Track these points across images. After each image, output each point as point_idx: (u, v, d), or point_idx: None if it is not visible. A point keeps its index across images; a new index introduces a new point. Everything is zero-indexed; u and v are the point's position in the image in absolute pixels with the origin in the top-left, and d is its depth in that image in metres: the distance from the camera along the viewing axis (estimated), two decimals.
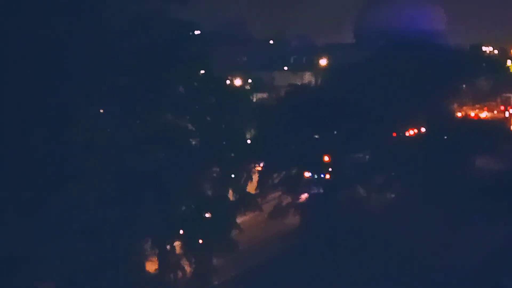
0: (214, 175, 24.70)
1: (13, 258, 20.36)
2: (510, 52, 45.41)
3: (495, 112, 42.43)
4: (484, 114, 40.78)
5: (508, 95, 42.67)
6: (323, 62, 31.09)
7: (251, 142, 26.31)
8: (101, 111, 22.83)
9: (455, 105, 33.74)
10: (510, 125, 40.03)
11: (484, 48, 43.96)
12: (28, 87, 20.57)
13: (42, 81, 20.79)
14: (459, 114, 34.77)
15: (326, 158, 27.08)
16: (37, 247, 20.51)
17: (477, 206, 25.00)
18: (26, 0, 20.81)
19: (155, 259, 23.35)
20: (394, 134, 28.29)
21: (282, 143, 26.32)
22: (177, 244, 23.87)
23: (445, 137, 27.79)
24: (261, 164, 26.79)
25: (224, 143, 24.76)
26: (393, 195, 27.36)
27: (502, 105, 42.24)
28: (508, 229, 25.47)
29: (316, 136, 27.04)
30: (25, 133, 20.79)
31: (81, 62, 21.40)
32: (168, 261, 23.58)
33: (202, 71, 24.73)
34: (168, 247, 23.65)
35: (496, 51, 45.70)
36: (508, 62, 43.99)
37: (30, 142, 20.83)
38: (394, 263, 23.25)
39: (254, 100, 27.56)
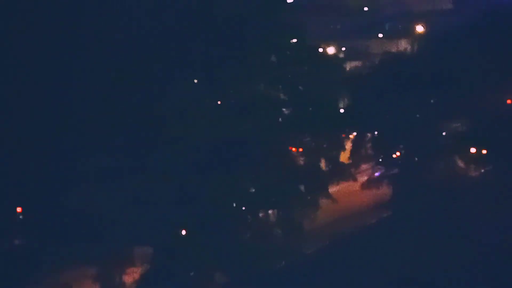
0: (306, 145, 24.70)
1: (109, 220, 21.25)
2: None
3: None
4: None
5: None
6: (419, 28, 30.19)
7: (344, 111, 26.03)
8: (195, 81, 23.24)
9: None
10: None
11: None
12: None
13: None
14: None
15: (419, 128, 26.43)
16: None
17: None
18: None
19: (247, 227, 23.71)
20: (509, 101, 27.07)
21: (376, 113, 25.89)
22: (269, 212, 24.13)
23: None
24: (354, 134, 26.48)
25: (316, 112, 24.64)
26: (491, 168, 26.45)
27: None
28: None
29: (411, 105, 26.40)
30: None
31: (166, 33, 21.91)
32: (260, 230, 23.89)
33: (295, 40, 24.59)
34: (261, 215, 23.94)
35: None
36: None
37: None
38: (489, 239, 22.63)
39: (348, 68, 27.18)
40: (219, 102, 23.59)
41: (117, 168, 21.72)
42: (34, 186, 21.45)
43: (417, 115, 26.28)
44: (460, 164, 26.56)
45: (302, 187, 24.17)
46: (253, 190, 23.85)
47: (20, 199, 21.84)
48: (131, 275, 22.65)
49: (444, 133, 26.99)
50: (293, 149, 24.62)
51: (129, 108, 21.88)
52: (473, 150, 26.62)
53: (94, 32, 21.46)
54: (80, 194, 21.31)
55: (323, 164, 24.91)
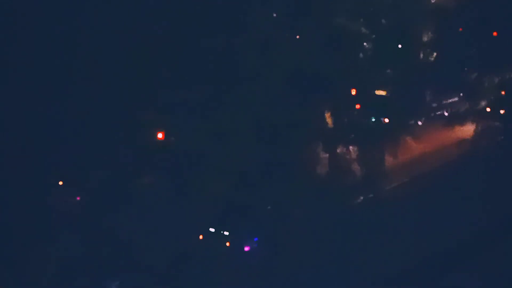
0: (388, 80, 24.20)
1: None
2: None
3: None
4: None
5: None
6: None
7: (428, 46, 25.18)
8: (274, 15, 23.04)
9: None
10: None
11: None
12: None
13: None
14: None
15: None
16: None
17: None
18: None
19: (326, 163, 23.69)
20: None
21: (460, 47, 24.86)
22: (348, 148, 23.98)
23: None
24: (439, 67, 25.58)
25: (399, 46, 23.99)
26: None
27: None
28: None
29: (496, 39, 25.11)
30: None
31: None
32: (339, 164, 23.83)
33: None
34: (339, 150, 23.85)
35: None
36: None
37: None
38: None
39: (433, 1, 26.15)
40: (298, 37, 23.37)
41: None
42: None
43: (505, 50, 24.99)
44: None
45: (383, 121, 23.82)
46: (332, 126, 23.73)
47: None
48: None
49: None
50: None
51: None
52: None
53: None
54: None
55: (406, 99, 24.35)
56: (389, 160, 23.99)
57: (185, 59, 21.71)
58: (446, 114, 25.91)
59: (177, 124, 21.86)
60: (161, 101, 21.53)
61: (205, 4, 21.87)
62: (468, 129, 25.61)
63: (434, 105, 24.94)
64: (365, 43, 24.19)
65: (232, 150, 22.07)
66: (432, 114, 24.88)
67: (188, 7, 21.52)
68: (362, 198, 23.80)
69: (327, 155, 23.72)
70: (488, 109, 25.24)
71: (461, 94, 25.84)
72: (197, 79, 22.17)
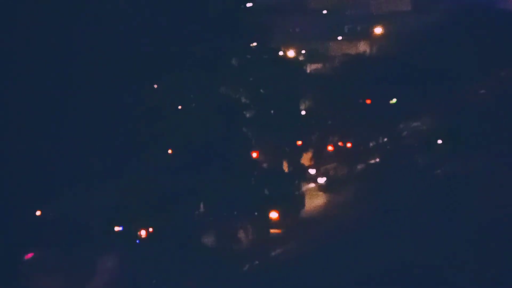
0: (269, 148, 24.75)
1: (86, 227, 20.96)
2: None
3: None
4: None
5: None
6: (378, 30, 30.51)
7: (305, 113, 26.17)
8: (155, 86, 23.15)
9: None
10: None
11: None
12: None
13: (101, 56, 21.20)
14: None
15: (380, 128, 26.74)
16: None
17: None
18: None
19: (213, 230, 23.65)
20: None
21: (337, 114, 26.08)
22: (233, 216, 24.10)
23: (508, 103, 27.03)
24: (316, 135, 26.63)
25: (278, 115, 24.73)
26: (454, 166, 26.84)
27: None
28: None
29: (372, 106, 26.69)
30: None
31: (127, 40, 21.75)
32: (226, 233, 23.87)
33: (255, 44, 24.67)
34: (224, 218, 23.89)
35: None
36: None
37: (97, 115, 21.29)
38: (457, 235, 22.91)
39: (308, 71, 27.34)
40: (180, 107, 23.52)
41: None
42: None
43: (378, 116, 26.56)
44: (421, 162, 26.89)
45: (265, 191, 24.21)
46: (217, 194, 23.80)
47: None
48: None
49: (405, 133, 27.34)
50: (255, 153, 24.68)
51: (89, 117, 21.63)
52: (439, 141, 26.97)
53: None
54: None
55: (285, 167, 25.01)
56: (273, 226, 24.35)
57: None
58: (327, 179, 26.78)
59: None
60: None
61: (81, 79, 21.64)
62: (347, 193, 26.63)
63: (315, 171, 25.71)
64: (245, 112, 24.72)
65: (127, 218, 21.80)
66: (312, 180, 25.61)
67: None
68: (247, 265, 23.89)
69: (218, 222, 23.71)
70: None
71: (342, 160, 26.90)
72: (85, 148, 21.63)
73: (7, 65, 20.60)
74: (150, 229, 22.53)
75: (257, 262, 23.65)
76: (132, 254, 22.46)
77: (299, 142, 25.65)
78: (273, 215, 24.29)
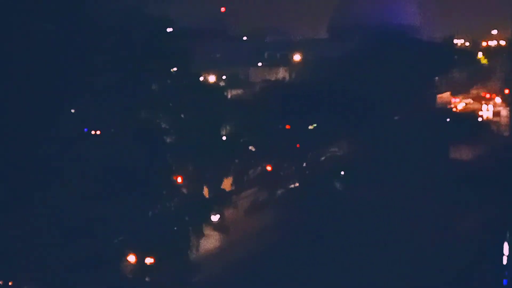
0: (189, 173, 24.63)
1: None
2: (481, 44, 45.97)
3: (470, 102, 42.81)
4: (461, 106, 41.16)
5: (482, 86, 43.11)
6: (297, 57, 31.09)
7: (226, 138, 26.24)
8: (72, 111, 22.66)
9: (431, 97, 34.03)
10: (485, 117, 40.38)
11: (456, 41, 44.42)
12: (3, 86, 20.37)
13: (17, 80, 20.60)
14: (434, 105, 35.03)
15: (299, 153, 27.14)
16: (18, 245, 20.34)
17: (450, 196, 25.28)
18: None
19: (132, 258, 23.21)
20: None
21: (257, 139, 26.30)
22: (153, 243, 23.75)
23: (421, 128, 27.99)
24: (237, 161, 26.75)
25: (198, 140, 24.64)
26: (369, 189, 27.49)
27: (477, 96, 42.69)
28: (477, 219, 25.75)
29: (291, 131, 27.06)
30: (2, 132, 20.57)
31: (56, 59, 21.23)
32: (145, 261, 23.48)
33: (175, 69, 24.60)
34: (146, 246, 23.52)
35: (468, 44, 46.20)
36: (479, 54, 44.49)
37: (9, 141, 20.61)
38: (372, 257, 23.35)
39: (229, 96, 27.48)
40: (98, 132, 23.08)
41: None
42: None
43: (298, 140, 26.95)
44: (339, 187, 27.42)
45: (185, 216, 23.99)
46: (136, 221, 23.40)
47: None
48: None
49: (323, 158, 27.83)
50: (178, 178, 24.49)
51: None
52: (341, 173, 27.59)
53: None
54: None
55: (205, 192, 24.91)
56: (193, 252, 24.14)
57: None
58: (247, 204, 26.90)
59: None
60: None
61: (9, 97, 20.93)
62: (267, 218, 26.80)
63: (234, 196, 25.75)
64: (165, 137, 24.52)
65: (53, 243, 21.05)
66: (233, 205, 25.60)
67: None
68: None
69: (137, 249, 23.28)
70: None
71: (262, 185, 27.09)
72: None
73: None
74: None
75: None
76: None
77: (220, 167, 25.64)
78: (193, 240, 24.09)
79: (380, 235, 24.24)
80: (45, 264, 20.85)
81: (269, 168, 27.00)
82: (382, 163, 26.80)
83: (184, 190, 24.34)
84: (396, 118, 29.44)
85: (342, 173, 27.37)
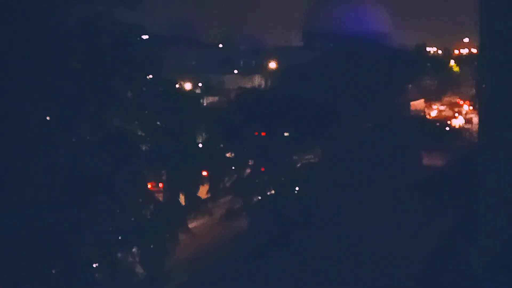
0: (164, 180, 24.55)
1: None
2: (453, 52, 46.62)
3: (443, 109, 43.33)
4: (434, 113, 41.64)
5: (454, 94, 43.70)
6: (272, 64, 31.27)
7: (202, 145, 26.22)
8: (48, 118, 22.46)
9: (403, 104, 34.36)
10: (457, 124, 40.90)
11: (428, 49, 44.97)
12: None
13: None
14: (405, 113, 35.38)
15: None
16: None
17: (416, 202, 25.54)
18: None
19: (105, 266, 23.05)
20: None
21: (233, 146, 26.34)
22: (127, 250, 23.62)
23: (392, 135, 28.24)
24: (212, 168, 26.75)
25: (174, 147, 24.58)
26: (342, 195, 27.65)
27: (449, 104, 43.20)
28: (445, 224, 26.09)
29: (267, 138, 27.15)
30: None
31: (25, 65, 21.01)
32: (119, 268, 23.32)
33: (151, 76, 24.53)
34: (119, 254, 23.37)
35: (440, 51, 46.81)
36: (452, 62, 45.11)
37: None
38: (341, 262, 23.51)
39: (205, 103, 27.50)
40: (73, 140, 22.91)
41: None
42: None
43: (273, 147, 27.03)
44: (314, 193, 27.53)
45: (162, 224, 23.91)
46: (111, 229, 23.26)
47: None
48: None
49: (298, 165, 27.94)
50: (152, 185, 24.40)
51: None
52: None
53: None
54: None
55: (182, 200, 24.84)
56: (168, 260, 24.07)
57: None
58: (222, 211, 26.85)
59: None
60: None
61: None
62: (242, 225, 26.83)
63: (210, 203, 25.73)
64: (140, 145, 24.41)
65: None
66: (208, 212, 25.58)
67: None
68: None
69: (108, 259, 23.11)
70: None
71: (238, 192, 27.10)
72: None
73: None
74: None
75: None
76: None
77: (195, 175, 25.58)
78: (169, 248, 24.01)
79: (354, 241, 24.42)
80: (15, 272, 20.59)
81: (245, 174, 27.11)
82: (356, 170, 26.99)
83: (160, 198, 24.25)
84: (369, 125, 29.69)
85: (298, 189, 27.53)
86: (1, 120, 20.90)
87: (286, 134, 27.65)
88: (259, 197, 27.22)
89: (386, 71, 29.15)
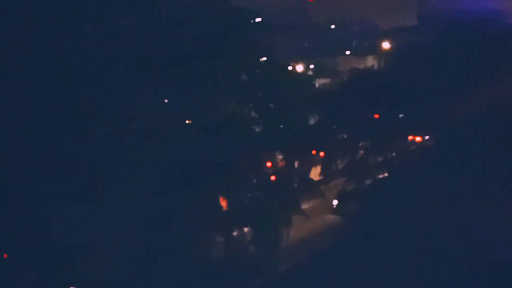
0: (277, 161, 24.81)
1: (65, 249, 20.70)
2: None
3: None
4: None
5: None
6: (386, 45, 30.63)
7: (314, 127, 26.23)
8: (166, 100, 23.19)
9: None
10: None
11: None
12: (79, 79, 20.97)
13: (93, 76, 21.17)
14: None
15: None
16: (90, 239, 20.81)
17: None
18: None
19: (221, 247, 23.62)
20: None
21: (346, 129, 26.14)
22: (243, 231, 24.10)
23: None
24: (324, 151, 26.67)
25: (287, 130, 24.77)
26: (457, 184, 26.74)
27: None
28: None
29: (380, 121, 26.73)
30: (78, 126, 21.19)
31: (136, 52, 21.78)
32: (234, 248, 23.85)
33: (264, 58, 24.78)
34: (234, 233, 23.90)
35: None
36: None
37: (84, 134, 21.21)
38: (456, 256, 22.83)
39: (317, 86, 27.45)
40: (188, 122, 23.57)
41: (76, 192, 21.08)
42: None
43: (387, 129, 26.58)
44: (427, 175, 26.82)
45: (275, 205, 24.22)
46: (226, 209, 23.81)
47: None
48: None
49: (413, 147, 27.35)
50: (267, 166, 24.70)
51: (96, 129, 21.60)
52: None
53: None
54: None
55: (295, 182, 25.02)
56: (282, 241, 24.31)
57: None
58: (335, 193, 26.80)
59: None
60: None
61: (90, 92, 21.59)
62: (356, 208, 26.60)
63: (323, 186, 25.73)
64: (254, 127, 24.78)
65: (124, 238, 21.52)
66: (321, 195, 25.60)
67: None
68: (257, 281, 23.84)
69: (223, 238, 23.68)
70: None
71: (351, 175, 26.89)
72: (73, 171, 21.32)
73: None
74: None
75: (263, 278, 23.60)
76: None
77: (308, 157, 25.68)
78: (282, 229, 24.28)
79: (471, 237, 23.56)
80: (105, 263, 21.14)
81: (358, 156, 26.82)
82: (471, 160, 26.01)
83: (273, 179, 24.55)
84: (486, 111, 28.46)
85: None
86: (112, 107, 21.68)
87: (400, 115, 27.10)
88: (372, 180, 26.89)
89: (509, 53, 27.84)
